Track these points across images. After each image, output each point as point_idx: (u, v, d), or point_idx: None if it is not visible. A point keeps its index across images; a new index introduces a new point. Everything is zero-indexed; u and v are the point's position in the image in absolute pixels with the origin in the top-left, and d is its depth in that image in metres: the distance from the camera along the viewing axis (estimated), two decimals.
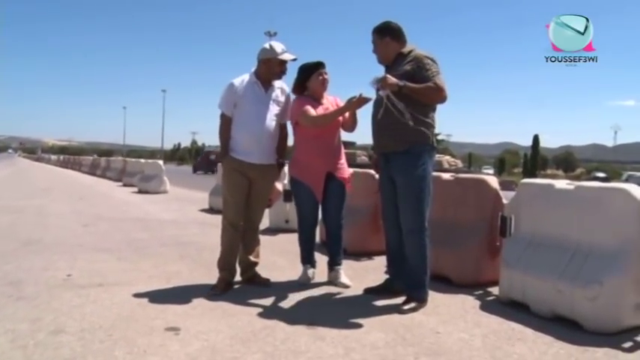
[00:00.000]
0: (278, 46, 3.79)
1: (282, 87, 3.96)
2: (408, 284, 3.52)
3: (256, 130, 3.77)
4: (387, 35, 3.58)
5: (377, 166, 3.84)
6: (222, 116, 3.84)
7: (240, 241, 3.89)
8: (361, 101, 3.58)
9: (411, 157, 3.43)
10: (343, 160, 4.02)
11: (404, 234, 3.50)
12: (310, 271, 4.08)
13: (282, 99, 3.93)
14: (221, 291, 3.70)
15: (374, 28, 3.64)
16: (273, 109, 3.85)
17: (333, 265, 4.03)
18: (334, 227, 4.00)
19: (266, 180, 3.89)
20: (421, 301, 3.45)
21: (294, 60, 3.85)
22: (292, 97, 4.00)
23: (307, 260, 4.11)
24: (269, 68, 3.79)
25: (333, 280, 3.99)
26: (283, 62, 3.80)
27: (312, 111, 3.80)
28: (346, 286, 3.91)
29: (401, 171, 3.46)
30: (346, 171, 4.01)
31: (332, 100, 4.02)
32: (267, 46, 3.80)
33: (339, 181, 3.92)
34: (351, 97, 3.61)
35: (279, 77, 3.89)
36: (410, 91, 3.31)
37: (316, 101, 3.91)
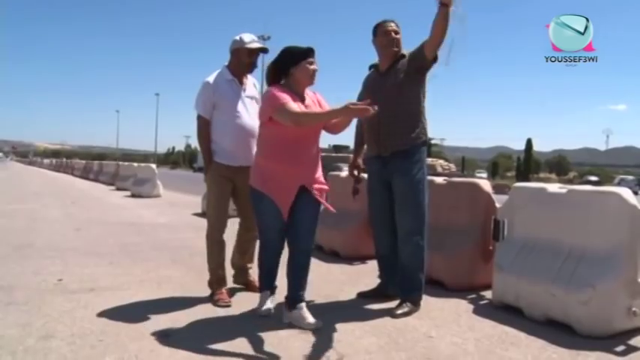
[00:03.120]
0: (247, 37, 3.62)
1: (255, 82, 3.80)
2: (403, 287, 3.50)
3: (241, 131, 3.59)
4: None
5: (356, 168, 3.73)
6: (200, 119, 3.61)
7: (224, 249, 3.75)
8: (365, 111, 2.77)
9: (410, 159, 3.43)
10: (321, 172, 3.24)
11: (402, 236, 3.47)
12: (271, 299, 3.31)
13: (258, 96, 3.74)
14: (225, 303, 3.48)
15: (390, 20, 3.56)
16: (254, 107, 3.66)
17: (294, 302, 3.13)
18: (301, 254, 3.17)
19: None
20: (416, 303, 3.45)
21: (264, 51, 3.67)
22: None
23: (267, 285, 3.32)
24: (238, 59, 3.61)
25: (295, 322, 3.08)
26: (252, 52, 3.60)
27: (293, 105, 2.97)
28: (313, 327, 3.02)
29: (401, 173, 3.44)
30: (323, 186, 3.20)
31: (312, 95, 3.22)
32: (237, 37, 3.64)
33: (314, 197, 3.11)
34: (352, 103, 2.83)
35: (250, 69, 3.68)
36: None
37: (297, 95, 3.08)
